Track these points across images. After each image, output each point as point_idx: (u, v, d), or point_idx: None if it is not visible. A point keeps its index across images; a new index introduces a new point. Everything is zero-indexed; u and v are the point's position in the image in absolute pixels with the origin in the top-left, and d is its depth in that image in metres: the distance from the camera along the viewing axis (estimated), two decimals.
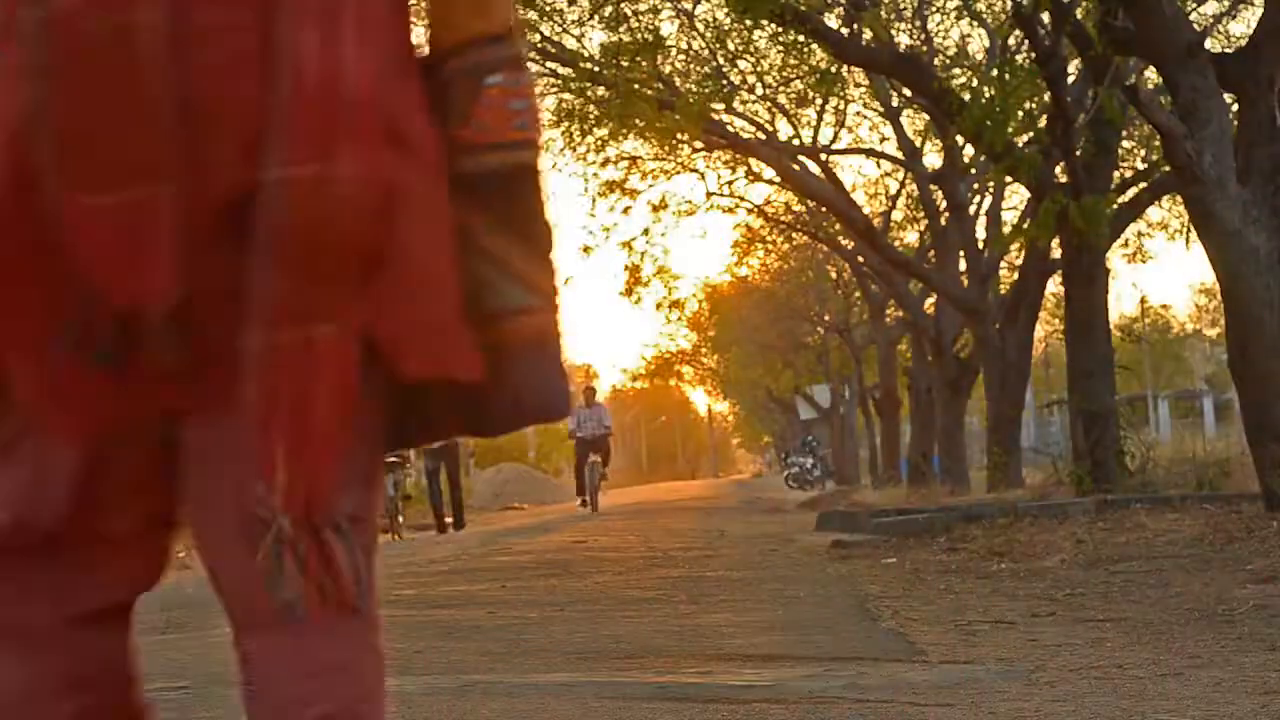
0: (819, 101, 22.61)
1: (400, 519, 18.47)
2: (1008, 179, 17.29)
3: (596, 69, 18.76)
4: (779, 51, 20.92)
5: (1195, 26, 11.09)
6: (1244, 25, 19.32)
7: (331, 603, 1.40)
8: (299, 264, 1.27)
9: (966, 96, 14.51)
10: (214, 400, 1.34)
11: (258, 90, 1.28)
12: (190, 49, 1.28)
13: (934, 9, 20.96)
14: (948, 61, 20.74)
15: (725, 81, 21.41)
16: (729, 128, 21.79)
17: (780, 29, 15.75)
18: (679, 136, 20.72)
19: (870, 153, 24.34)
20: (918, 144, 22.95)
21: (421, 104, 1.36)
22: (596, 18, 18.98)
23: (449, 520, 17.93)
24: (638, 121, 18.79)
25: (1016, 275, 20.61)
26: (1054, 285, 22.04)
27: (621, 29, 17.93)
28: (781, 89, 22.66)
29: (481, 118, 1.42)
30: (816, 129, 23.34)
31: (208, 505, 1.42)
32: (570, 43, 20.11)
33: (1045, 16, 12.91)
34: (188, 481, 1.42)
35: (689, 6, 19.87)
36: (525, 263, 1.41)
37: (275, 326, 1.28)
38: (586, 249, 23.10)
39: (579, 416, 22.28)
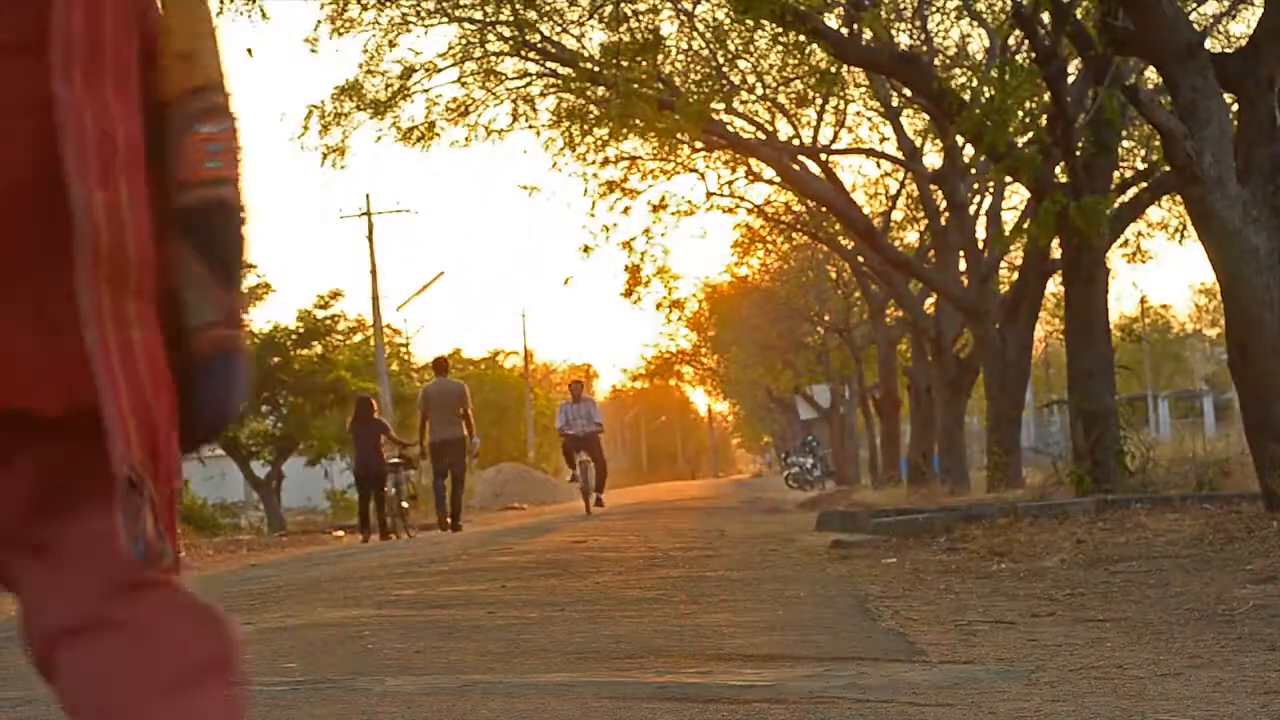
0: (819, 101, 22.61)
1: (405, 520, 18.73)
2: (1008, 179, 17.30)
3: (596, 69, 18.76)
4: (779, 51, 20.93)
5: (1195, 26, 11.10)
6: (1244, 25, 19.33)
7: (171, 560, 1.54)
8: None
9: (966, 96, 14.52)
10: None
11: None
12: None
13: (934, 9, 20.97)
14: (948, 61, 20.76)
15: (725, 81, 21.42)
16: (729, 128, 21.79)
17: (780, 29, 15.75)
18: (679, 136, 20.73)
19: (870, 153, 24.35)
20: (918, 144, 22.95)
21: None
22: (596, 18, 18.99)
23: (449, 520, 18.13)
24: (638, 121, 18.80)
25: (1016, 275, 20.62)
26: (1054, 285, 22.06)
27: (621, 29, 17.94)
28: (781, 89, 22.67)
29: (185, 158, 1.64)
30: (816, 129, 23.35)
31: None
32: (570, 43, 20.13)
33: (1045, 16, 12.91)
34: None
35: (689, 6, 19.87)
36: (215, 284, 1.62)
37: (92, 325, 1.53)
38: (586, 249, 23.11)
39: (567, 413, 20.27)
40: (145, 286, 1.58)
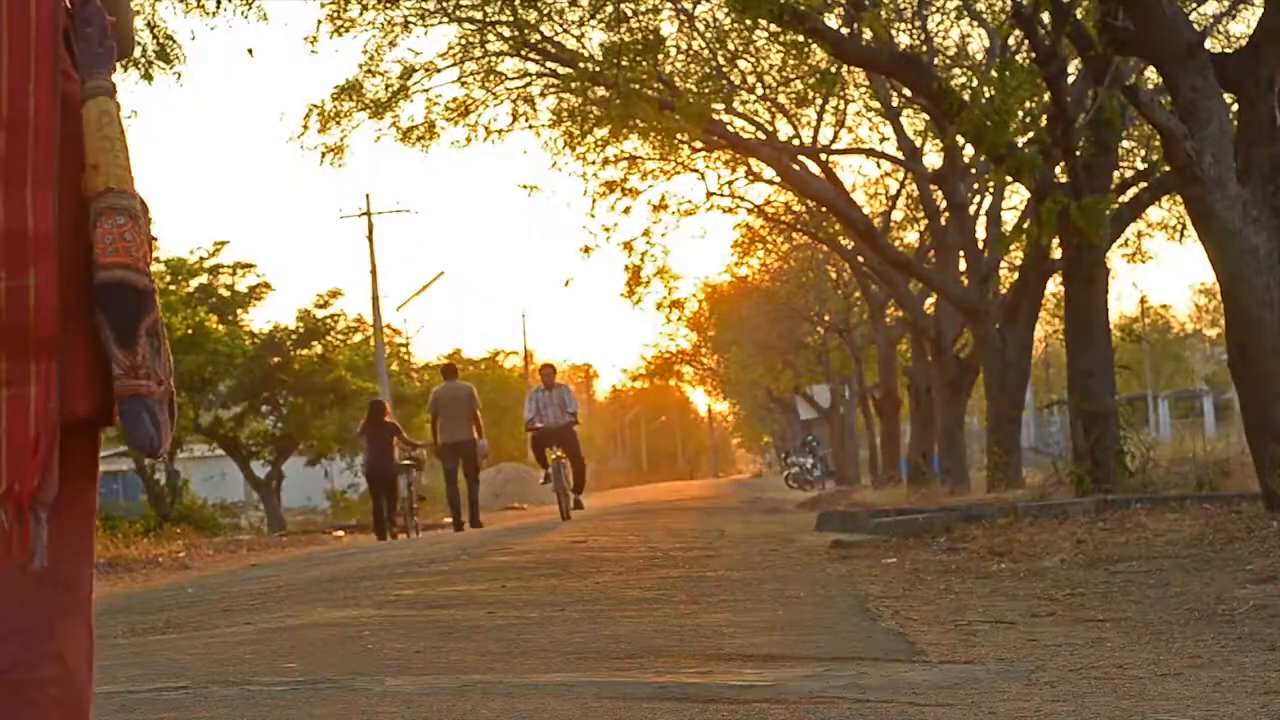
0: (819, 101, 22.62)
1: (415, 518, 19.27)
2: (1008, 179, 17.30)
3: (597, 69, 18.76)
4: (779, 51, 20.93)
5: (1195, 26, 11.10)
6: (1244, 25, 19.33)
7: (16, 559, 2.03)
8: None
9: (966, 96, 14.52)
10: None
11: None
12: None
13: (934, 9, 20.97)
14: (948, 61, 20.76)
15: (725, 81, 21.42)
16: (729, 128, 21.79)
17: (780, 29, 15.75)
18: (679, 136, 20.73)
19: (870, 153, 24.35)
20: (918, 144, 22.95)
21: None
22: (596, 18, 18.99)
23: (464, 519, 18.59)
24: (638, 122, 18.80)
25: (1016, 275, 20.62)
26: (1054, 285, 22.06)
27: (621, 29, 17.94)
28: (781, 89, 22.67)
29: (95, 246, 2.12)
30: (816, 129, 23.35)
31: None
32: (570, 43, 20.13)
33: (1045, 16, 12.91)
34: None
35: (689, 6, 19.88)
36: (116, 345, 2.10)
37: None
38: (586, 249, 23.10)
39: (537, 400, 18.21)
40: (46, 351, 2.07)
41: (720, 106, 21.12)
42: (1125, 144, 19.28)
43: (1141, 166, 19.77)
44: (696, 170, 24.19)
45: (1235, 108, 9.99)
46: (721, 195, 24.76)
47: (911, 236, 29.08)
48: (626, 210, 23.13)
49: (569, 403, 18.05)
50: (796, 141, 22.97)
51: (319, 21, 19.01)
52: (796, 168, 22.02)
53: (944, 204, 22.23)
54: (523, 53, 20.36)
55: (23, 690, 2.07)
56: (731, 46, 20.90)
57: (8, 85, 2.15)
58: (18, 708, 2.07)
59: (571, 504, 18.65)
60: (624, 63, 17.16)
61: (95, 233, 2.16)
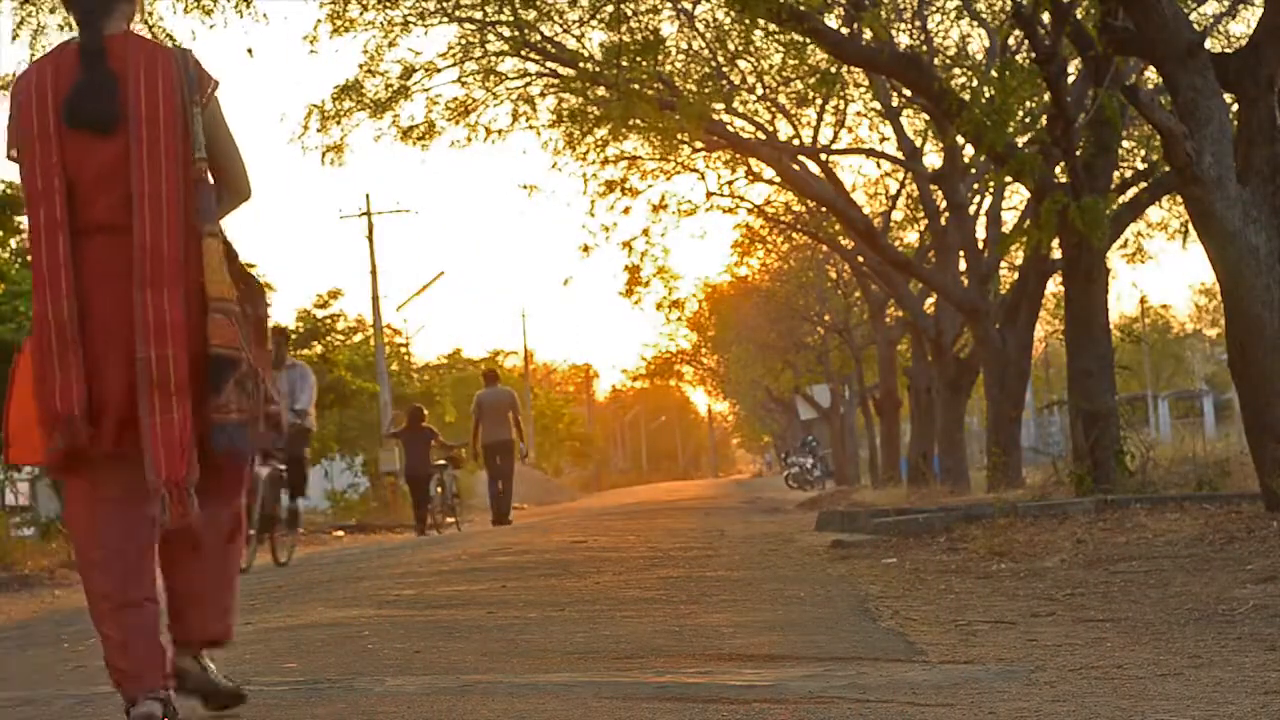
0: (819, 101, 22.61)
1: (452, 517, 20.96)
2: (1008, 179, 17.31)
3: (597, 69, 18.76)
4: (779, 51, 20.93)
5: (1195, 26, 11.09)
6: (1244, 25, 19.34)
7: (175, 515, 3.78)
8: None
9: (966, 96, 14.51)
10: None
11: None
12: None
13: (934, 9, 20.97)
14: (948, 61, 20.75)
15: (725, 81, 21.41)
16: (729, 128, 21.79)
17: (780, 29, 15.75)
18: (680, 136, 20.72)
19: (870, 153, 24.34)
20: (918, 144, 22.95)
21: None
22: (597, 18, 18.98)
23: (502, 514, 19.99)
24: (638, 122, 18.79)
25: (1016, 275, 20.62)
26: (1054, 285, 22.06)
27: (622, 29, 17.93)
28: (781, 89, 22.66)
29: (209, 332, 3.80)
30: (816, 129, 23.35)
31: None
32: (571, 43, 20.12)
33: (1045, 16, 12.91)
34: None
35: (689, 6, 19.87)
36: (212, 394, 3.83)
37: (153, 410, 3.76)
38: (586, 248, 23.09)
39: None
40: (181, 394, 3.76)
41: (720, 106, 21.11)
42: (1125, 144, 19.28)
43: (1141, 166, 19.76)
44: (696, 170, 24.19)
45: (1235, 108, 9.99)
46: (721, 195, 24.76)
47: (911, 236, 29.08)
48: (626, 210, 23.15)
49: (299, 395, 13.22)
50: (796, 141, 22.97)
51: (318, 21, 19.01)
52: (796, 168, 22.01)
53: (944, 204, 22.22)
54: (523, 53, 20.36)
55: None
56: (731, 46, 20.90)
57: (150, 230, 3.77)
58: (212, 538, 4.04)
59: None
60: (624, 63, 17.14)
61: (210, 323, 3.83)
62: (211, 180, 3.90)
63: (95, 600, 3.88)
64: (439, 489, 20.50)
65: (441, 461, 20.64)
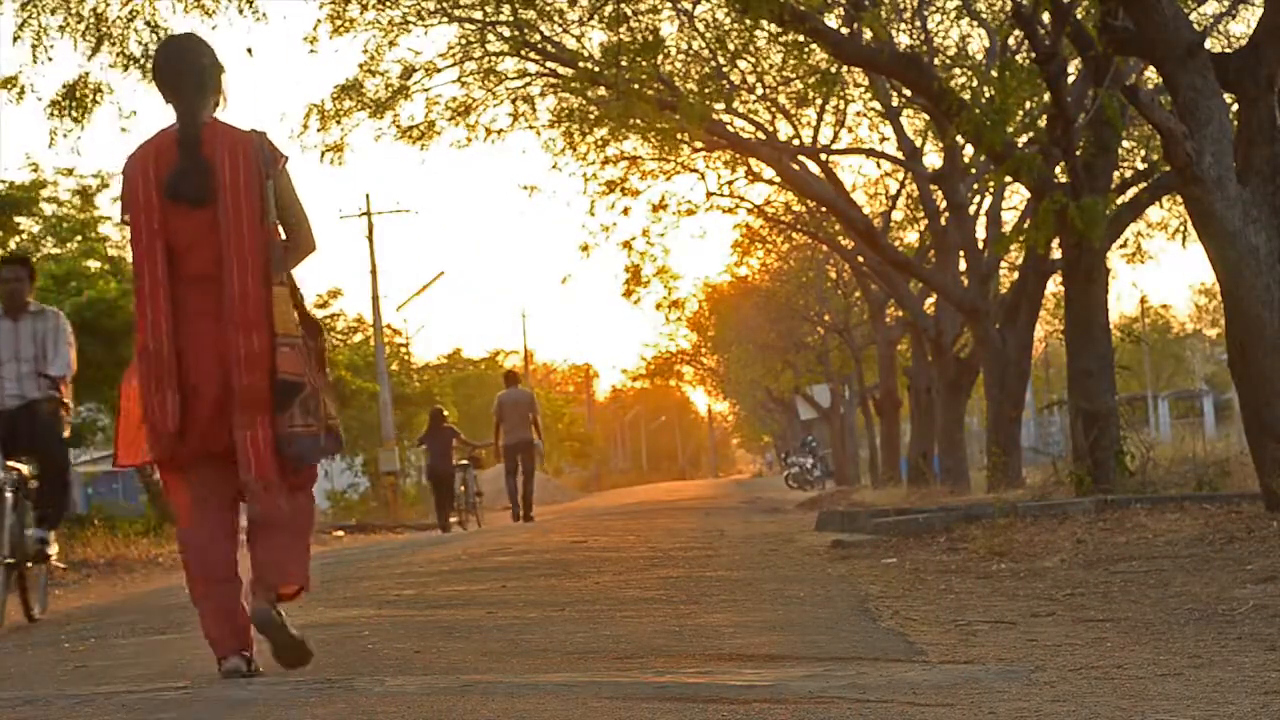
0: (819, 101, 22.60)
1: (474, 514, 21.67)
2: (1008, 179, 17.31)
3: (597, 69, 18.75)
4: (779, 51, 20.92)
5: (1195, 26, 11.09)
6: (1244, 25, 19.33)
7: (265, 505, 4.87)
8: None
9: (966, 96, 14.51)
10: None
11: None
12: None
13: (934, 9, 20.96)
14: (948, 61, 20.75)
15: (725, 81, 21.41)
16: (729, 128, 21.78)
17: (780, 29, 15.75)
18: (680, 137, 20.72)
19: (870, 153, 24.33)
20: (918, 144, 22.94)
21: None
22: (596, 18, 18.98)
23: (522, 512, 20.63)
24: (638, 122, 18.79)
25: (1016, 275, 20.62)
26: (1054, 285, 22.05)
27: (621, 29, 17.93)
28: (781, 89, 22.66)
29: (277, 362, 4.78)
30: (816, 129, 23.34)
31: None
32: (570, 43, 20.12)
33: (1045, 16, 12.91)
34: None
35: (689, 6, 19.86)
36: (279, 411, 4.82)
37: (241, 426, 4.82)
38: (585, 247, 23.09)
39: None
40: (263, 411, 4.76)
41: (720, 106, 21.10)
42: (1125, 144, 19.27)
43: (1141, 166, 19.76)
44: (696, 170, 24.18)
45: (1235, 108, 9.99)
46: (721, 195, 24.76)
47: (911, 236, 29.08)
48: (626, 211, 23.14)
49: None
50: (796, 141, 22.96)
51: (318, 21, 19.01)
52: (796, 168, 22.01)
53: (944, 204, 22.22)
54: (523, 53, 20.36)
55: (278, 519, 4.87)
56: (731, 46, 20.88)
57: (238, 281, 4.76)
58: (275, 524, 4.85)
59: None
60: (624, 63, 17.14)
61: (279, 354, 4.79)
62: (283, 236, 4.96)
63: (192, 580, 4.89)
64: (462, 487, 21.28)
65: (464, 461, 21.44)
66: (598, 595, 7.48)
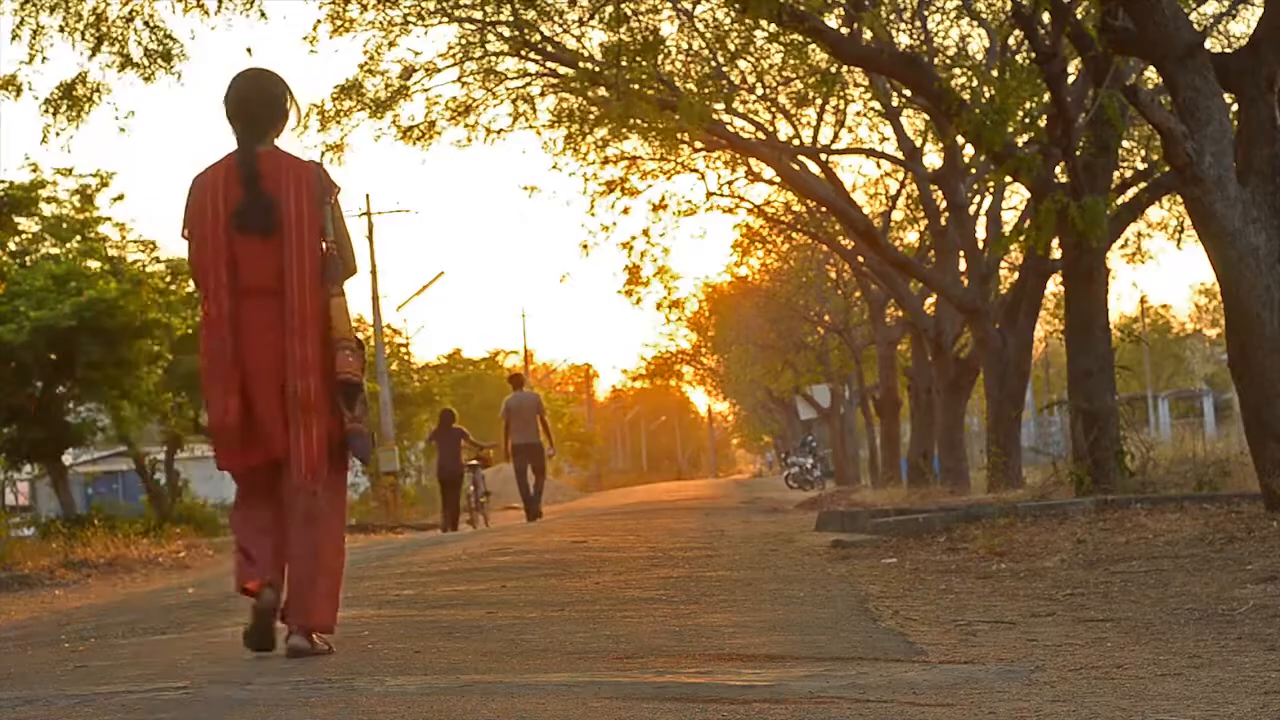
0: (819, 101, 22.60)
1: (485, 511, 22.33)
2: (1008, 179, 17.30)
3: (597, 69, 18.75)
4: (779, 51, 20.91)
5: (1195, 26, 11.09)
6: (1244, 25, 19.33)
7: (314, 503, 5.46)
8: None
9: (966, 96, 14.51)
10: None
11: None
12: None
13: (934, 9, 20.96)
14: (948, 61, 20.75)
15: (725, 81, 21.40)
16: (729, 128, 21.78)
17: (780, 29, 15.76)
18: (679, 136, 20.71)
19: (870, 153, 24.33)
20: (918, 144, 22.93)
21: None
22: (596, 18, 18.98)
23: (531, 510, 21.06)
24: (638, 122, 18.79)
25: (1016, 275, 20.61)
26: (1054, 285, 22.05)
27: (621, 29, 17.93)
28: (781, 89, 22.65)
29: (338, 363, 5.40)
30: (816, 129, 23.33)
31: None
32: (570, 43, 20.12)
33: (1045, 16, 12.91)
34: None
35: (689, 6, 19.87)
36: (344, 408, 5.43)
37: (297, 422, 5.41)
38: (585, 246, 23.08)
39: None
40: (317, 410, 5.36)
41: (720, 106, 21.10)
42: (1125, 144, 19.27)
43: (1141, 166, 19.75)
44: (696, 170, 24.17)
45: (1235, 108, 9.99)
46: (721, 195, 24.74)
47: (911, 236, 29.07)
48: (626, 210, 23.14)
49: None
50: (796, 141, 22.96)
51: (318, 21, 19.01)
52: (796, 168, 22.00)
53: (944, 204, 22.21)
54: (523, 53, 20.35)
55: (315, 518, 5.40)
56: (731, 46, 20.88)
57: (297, 295, 5.32)
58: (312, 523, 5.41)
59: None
60: (624, 63, 17.14)
61: (336, 357, 5.36)
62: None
63: (238, 560, 5.60)
64: (471, 487, 21.87)
65: (473, 461, 21.92)
66: (598, 595, 7.48)
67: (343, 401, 5.40)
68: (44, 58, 15.59)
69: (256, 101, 5.54)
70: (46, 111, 16.07)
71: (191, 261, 5.57)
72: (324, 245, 5.45)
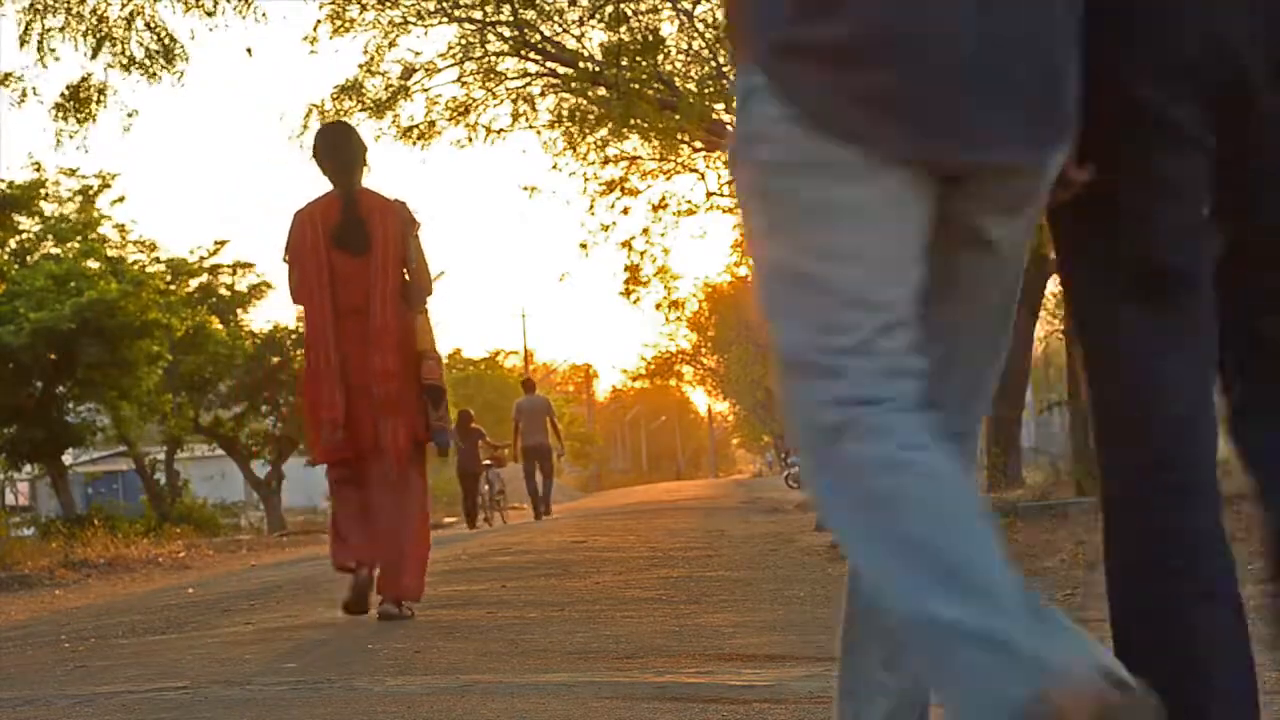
0: None
1: (498, 511, 23.06)
2: None
3: (597, 69, 18.76)
4: None
5: None
6: None
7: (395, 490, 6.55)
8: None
9: None
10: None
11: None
12: None
13: None
14: None
15: (725, 81, 21.40)
16: (729, 127, 21.77)
17: None
18: (679, 136, 20.71)
19: None
20: None
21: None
22: (596, 18, 18.99)
23: (540, 508, 22.36)
24: (638, 122, 18.79)
25: None
26: (1054, 285, 22.04)
27: (621, 29, 17.93)
28: None
29: (424, 370, 6.53)
30: None
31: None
32: (570, 43, 20.12)
33: None
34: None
35: (689, 6, 19.87)
36: (431, 409, 6.56)
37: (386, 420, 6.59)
38: (584, 246, 23.07)
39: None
40: (400, 410, 6.47)
41: (720, 106, 21.10)
42: None
43: None
44: (696, 170, 24.16)
45: None
46: (721, 195, 24.72)
47: None
48: (626, 210, 23.13)
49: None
50: None
51: (318, 22, 19.01)
52: None
53: None
54: (523, 53, 20.35)
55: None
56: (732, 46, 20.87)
57: (379, 315, 6.37)
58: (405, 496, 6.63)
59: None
60: (624, 63, 17.14)
61: (421, 365, 6.46)
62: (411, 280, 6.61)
63: (334, 541, 6.71)
64: (487, 486, 22.69)
65: (488, 461, 22.72)
66: (598, 595, 7.49)
67: (429, 403, 6.51)
68: (48, 60, 15.61)
69: (345, 149, 6.65)
70: (56, 117, 16.10)
71: (292, 284, 6.58)
72: (405, 272, 6.53)
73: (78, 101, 15.97)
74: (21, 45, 15.47)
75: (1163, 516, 2.22)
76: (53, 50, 15.50)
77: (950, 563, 1.75)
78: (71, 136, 16.17)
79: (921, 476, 1.83)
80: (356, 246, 6.45)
